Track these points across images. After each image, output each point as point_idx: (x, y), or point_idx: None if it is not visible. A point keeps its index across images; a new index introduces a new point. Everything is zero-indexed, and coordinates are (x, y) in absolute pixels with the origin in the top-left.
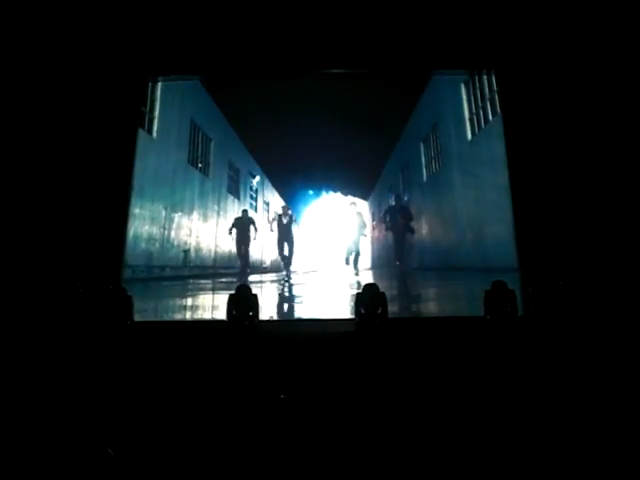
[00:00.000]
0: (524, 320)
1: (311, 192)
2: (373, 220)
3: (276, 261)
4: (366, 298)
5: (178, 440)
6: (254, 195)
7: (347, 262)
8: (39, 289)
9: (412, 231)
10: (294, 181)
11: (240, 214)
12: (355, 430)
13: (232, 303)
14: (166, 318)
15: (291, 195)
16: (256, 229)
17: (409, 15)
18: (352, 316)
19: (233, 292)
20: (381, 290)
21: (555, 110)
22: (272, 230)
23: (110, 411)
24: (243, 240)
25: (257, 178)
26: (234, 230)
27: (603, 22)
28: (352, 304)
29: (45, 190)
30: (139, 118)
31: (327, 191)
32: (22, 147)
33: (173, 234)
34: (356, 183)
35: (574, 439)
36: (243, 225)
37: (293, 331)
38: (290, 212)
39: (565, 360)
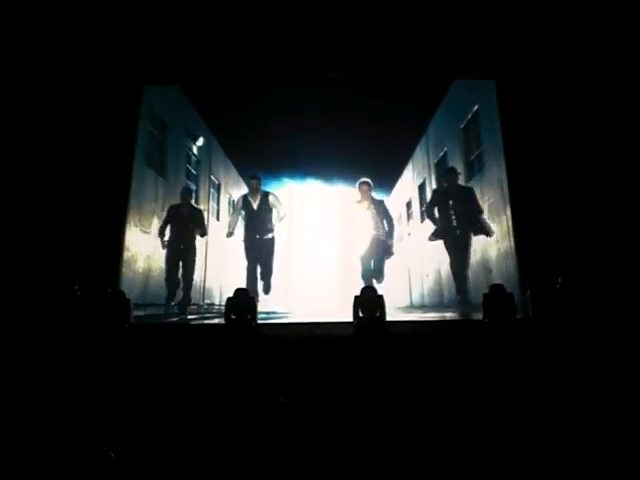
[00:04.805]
0: (522, 323)
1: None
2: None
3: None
4: (364, 301)
5: (178, 443)
6: (194, 172)
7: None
8: (38, 292)
9: (487, 233)
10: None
11: (179, 199)
12: (354, 433)
13: (230, 306)
14: (164, 321)
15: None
16: (204, 231)
17: (410, 20)
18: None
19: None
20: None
21: (551, 116)
22: (232, 232)
23: (110, 414)
24: (182, 250)
25: (200, 140)
26: (168, 230)
27: (604, 32)
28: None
29: (44, 194)
30: (136, 120)
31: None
32: (22, 152)
33: None
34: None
35: (572, 439)
36: (183, 221)
37: (291, 334)
38: (262, 188)
39: (563, 362)
